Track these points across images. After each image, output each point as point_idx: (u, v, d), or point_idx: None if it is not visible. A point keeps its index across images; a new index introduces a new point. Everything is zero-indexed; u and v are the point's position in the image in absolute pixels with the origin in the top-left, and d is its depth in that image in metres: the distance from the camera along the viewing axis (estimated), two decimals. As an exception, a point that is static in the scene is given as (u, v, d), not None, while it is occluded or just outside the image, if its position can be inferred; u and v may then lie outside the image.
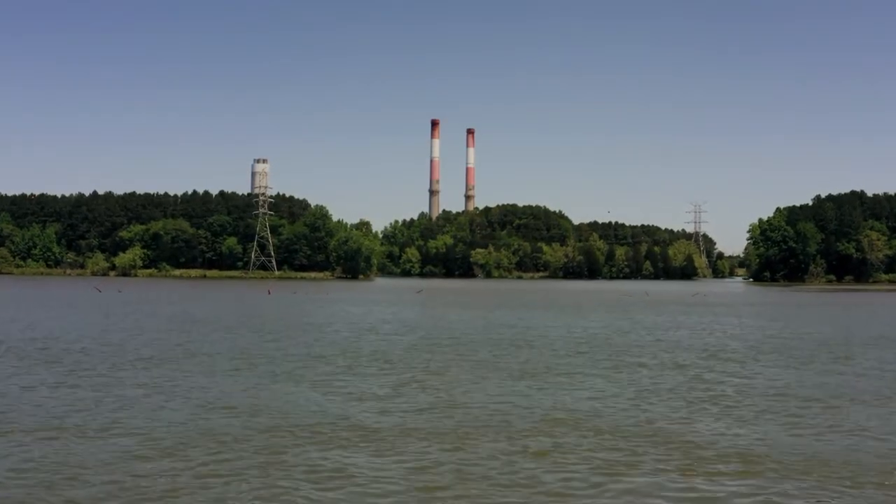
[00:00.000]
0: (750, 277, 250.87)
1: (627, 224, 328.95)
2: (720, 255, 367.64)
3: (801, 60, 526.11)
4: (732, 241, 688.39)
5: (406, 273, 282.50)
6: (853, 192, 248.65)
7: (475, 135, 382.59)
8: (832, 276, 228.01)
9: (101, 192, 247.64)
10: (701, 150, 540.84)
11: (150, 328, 43.09)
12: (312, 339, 37.68)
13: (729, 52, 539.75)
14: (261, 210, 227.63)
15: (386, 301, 79.35)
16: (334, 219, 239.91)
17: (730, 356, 32.74)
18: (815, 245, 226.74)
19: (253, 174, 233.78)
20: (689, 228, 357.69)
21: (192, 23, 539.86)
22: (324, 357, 30.42)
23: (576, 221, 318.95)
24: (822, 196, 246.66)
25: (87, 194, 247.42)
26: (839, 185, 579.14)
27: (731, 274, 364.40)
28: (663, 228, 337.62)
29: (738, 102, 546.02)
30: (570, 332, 43.54)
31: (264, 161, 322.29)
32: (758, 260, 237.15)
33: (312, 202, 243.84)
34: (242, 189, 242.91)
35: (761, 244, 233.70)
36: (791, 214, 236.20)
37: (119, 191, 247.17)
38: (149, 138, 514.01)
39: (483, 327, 45.79)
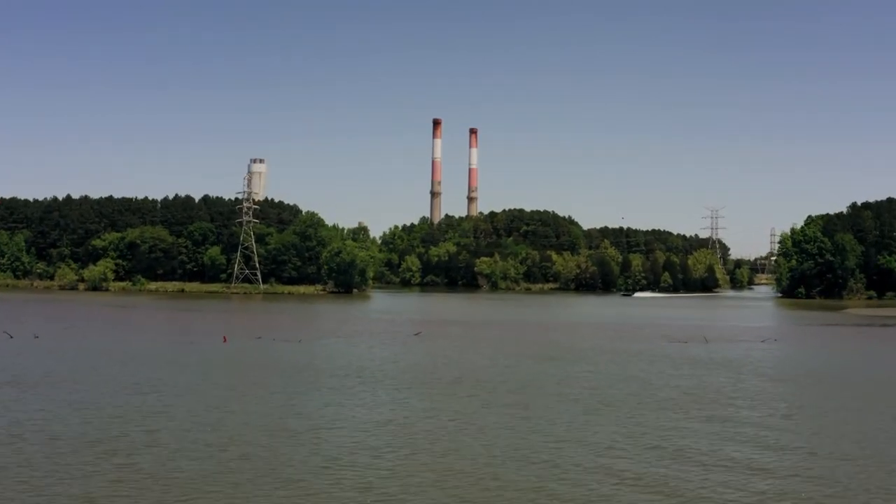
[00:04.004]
0: (779, 292, 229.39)
1: (640, 230, 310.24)
2: (738, 263, 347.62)
3: (825, 60, 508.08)
4: (739, 242, 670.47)
5: (406, 283, 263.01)
6: (890, 199, 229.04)
7: (478, 135, 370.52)
8: (872, 293, 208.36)
9: (76, 196, 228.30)
10: (709, 151, 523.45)
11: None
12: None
13: (732, 50, 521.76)
14: (245, 218, 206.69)
15: (371, 364, 59.65)
16: (330, 223, 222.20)
17: None
18: (854, 258, 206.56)
19: (250, 174, 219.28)
20: (703, 234, 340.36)
21: (185, 21, 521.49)
22: None
23: (585, 226, 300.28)
24: (859, 203, 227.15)
25: (60, 198, 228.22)
26: (858, 189, 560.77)
27: (750, 283, 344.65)
28: (675, 234, 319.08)
29: (745, 103, 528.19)
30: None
31: (261, 161, 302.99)
32: (789, 274, 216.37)
33: (310, 204, 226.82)
34: (238, 192, 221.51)
35: (794, 256, 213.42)
36: (827, 224, 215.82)
37: (97, 195, 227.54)
38: (138, 140, 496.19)
39: None
